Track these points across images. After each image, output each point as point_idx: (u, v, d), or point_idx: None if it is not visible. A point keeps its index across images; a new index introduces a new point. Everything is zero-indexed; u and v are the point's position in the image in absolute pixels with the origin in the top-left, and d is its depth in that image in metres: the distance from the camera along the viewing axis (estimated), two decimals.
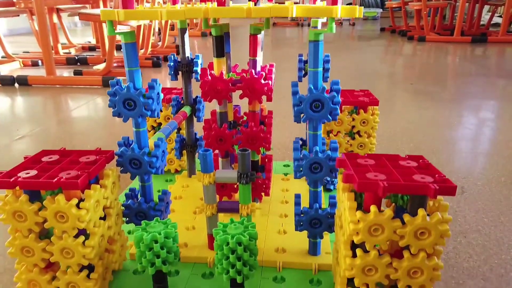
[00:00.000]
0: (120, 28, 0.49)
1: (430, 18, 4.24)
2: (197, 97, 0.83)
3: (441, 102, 1.65)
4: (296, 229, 0.58)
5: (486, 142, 1.18)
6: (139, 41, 2.60)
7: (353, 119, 0.84)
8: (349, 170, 0.46)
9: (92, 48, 3.30)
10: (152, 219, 0.58)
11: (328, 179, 0.84)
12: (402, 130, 1.29)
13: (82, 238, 0.49)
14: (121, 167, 0.57)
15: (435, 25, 4.38)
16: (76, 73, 2.21)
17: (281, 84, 1.94)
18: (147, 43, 2.71)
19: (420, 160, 0.49)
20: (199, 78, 0.78)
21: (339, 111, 0.51)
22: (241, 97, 0.63)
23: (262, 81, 0.61)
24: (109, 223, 0.54)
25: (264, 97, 0.62)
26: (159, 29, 3.64)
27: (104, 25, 2.49)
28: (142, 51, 2.70)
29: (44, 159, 0.54)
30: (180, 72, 0.80)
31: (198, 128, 0.86)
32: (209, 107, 0.72)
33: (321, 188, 0.57)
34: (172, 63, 0.77)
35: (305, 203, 0.73)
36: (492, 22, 4.82)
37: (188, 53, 0.78)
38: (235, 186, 0.71)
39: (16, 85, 2.03)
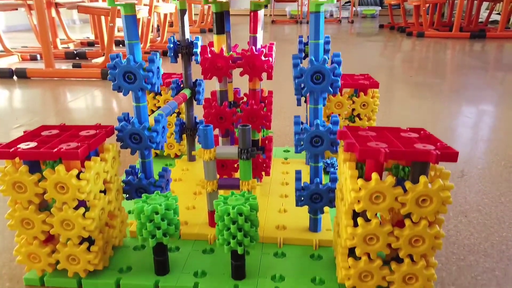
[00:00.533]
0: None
1: (428, 15, 4.25)
2: (196, 80, 0.83)
3: (441, 93, 1.65)
4: (296, 205, 0.58)
5: (485, 129, 1.18)
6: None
7: (353, 102, 0.84)
8: (351, 140, 0.46)
9: (91, 44, 3.29)
10: None
11: (328, 161, 0.84)
12: (402, 118, 1.29)
13: (82, 209, 0.49)
14: (121, 142, 0.56)
15: (434, 22, 4.39)
16: (75, 66, 2.20)
17: (279, 80, 1.94)
18: (146, 39, 2.70)
19: (422, 132, 0.49)
20: (199, 60, 0.78)
21: (340, 83, 0.51)
22: (241, 74, 0.62)
23: (263, 58, 0.61)
24: (110, 198, 0.54)
25: (264, 77, 0.62)
26: (158, 26, 3.63)
27: (103, 19, 2.48)
28: (141, 45, 2.69)
29: (44, 133, 0.53)
30: (180, 55, 0.80)
31: (198, 112, 0.85)
32: (209, 89, 0.72)
33: (321, 164, 0.57)
34: (171, 45, 0.77)
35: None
36: (490, 20, 4.82)
37: (187, 35, 0.78)
38: (235, 165, 0.70)
39: (15, 77, 2.03)
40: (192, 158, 0.88)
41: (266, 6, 0.63)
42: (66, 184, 0.47)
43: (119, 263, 0.55)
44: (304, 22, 6.11)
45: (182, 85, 0.83)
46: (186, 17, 0.77)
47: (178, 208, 0.51)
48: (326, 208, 0.67)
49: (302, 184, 0.57)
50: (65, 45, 3.09)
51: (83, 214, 0.49)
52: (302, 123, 0.56)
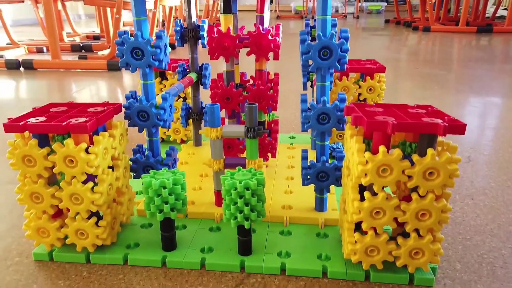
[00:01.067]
0: None
1: (435, 10, 4.22)
2: (203, 64, 0.83)
3: (447, 84, 1.64)
4: (303, 184, 0.58)
5: (493, 118, 1.18)
6: None
7: (360, 87, 0.84)
8: (358, 114, 0.46)
9: (96, 37, 3.30)
10: None
11: (334, 146, 0.84)
12: None
13: (91, 184, 0.49)
14: (128, 120, 0.57)
15: (440, 17, 4.36)
16: (81, 57, 2.21)
17: (284, 69, 1.94)
18: (151, 33, 2.71)
19: (429, 108, 0.49)
20: (206, 44, 0.79)
21: (347, 59, 0.51)
22: (248, 54, 0.62)
23: (270, 37, 0.61)
24: (117, 174, 0.54)
25: (271, 66, 0.62)
26: (163, 20, 3.64)
27: (108, 11, 2.49)
28: None
29: (53, 109, 0.54)
30: (186, 39, 0.80)
31: (204, 98, 0.86)
32: (215, 74, 0.72)
33: (328, 142, 0.57)
34: (178, 29, 0.77)
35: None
36: (497, 15, 4.78)
37: (194, 19, 0.78)
38: (241, 147, 0.71)
39: (22, 69, 2.04)
40: (198, 143, 0.89)
41: (271, 2, 0.64)
42: (75, 157, 0.47)
43: (126, 239, 0.56)
44: (309, 18, 6.09)
45: (188, 70, 0.83)
46: (192, 1, 0.77)
47: (185, 184, 0.52)
48: (332, 189, 0.67)
49: (308, 163, 0.57)
50: (71, 39, 3.10)
51: (92, 189, 0.49)
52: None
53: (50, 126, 0.47)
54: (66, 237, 0.53)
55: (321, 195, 0.60)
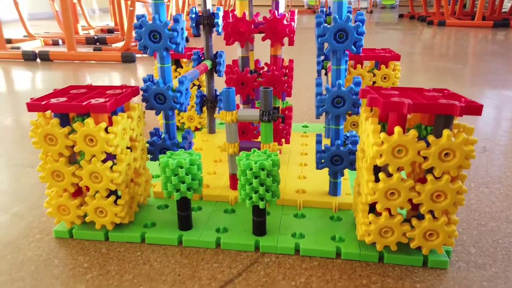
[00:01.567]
0: None
1: (450, 5, 4.15)
2: (217, 52, 0.84)
3: (462, 77, 1.62)
4: (317, 167, 0.59)
5: (508, 111, 1.16)
6: None
7: (374, 75, 0.83)
8: (373, 95, 0.46)
9: (110, 31, 3.33)
10: None
11: (347, 134, 0.84)
12: None
13: (110, 163, 0.51)
14: (146, 102, 0.58)
15: (455, 11, 4.29)
16: (96, 49, 2.24)
17: (297, 62, 1.93)
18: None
19: (445, 91, 0.49)
20: (220, 31, 0.79)
21: (363, 42, 0.51)
22: (263, 39, 0.63)
23: (285, 22, 0.61)
24: (135, 155, 0.55)
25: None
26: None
27: (122, 4, 2.51)
28: None
29: (73, 91, 0.55)
30: (201, 27, 0.81)
31: (218, 85, 0.86)
32: (230, 60, 0.73)
33: (342, 126, 0.57)
34: (193, 16, 0.78)
35: None
36: None
37: (209, 6, 0.79)
38: (255, 132, 0.71)
39: (38, 60, 2.08)
40: (212, 130, 0.90)
41: None
42: (95, 136, 0.49)
43: (144, 219, 0.57)
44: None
45: (203, 57, 0.84)
46: None
47: (201, 164, 0.52)
48: (346, 174, 0.68)
49: (322, 147, 0.58)
50: (86, 32, 3.14)
51: (111, 168, 0.51)
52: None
53: (71, 105, 0.48)
54: (85, 215, 0.55)
55: (335, 180, 0.60)
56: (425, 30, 3.50)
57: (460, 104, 0.42)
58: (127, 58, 2.00)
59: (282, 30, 0.61)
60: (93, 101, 0.49)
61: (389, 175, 0.46)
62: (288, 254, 0.51)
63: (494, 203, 0.64)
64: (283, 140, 0.71)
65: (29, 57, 2.05)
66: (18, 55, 2.08)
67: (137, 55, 2.12)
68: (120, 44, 2.34)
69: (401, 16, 5.01)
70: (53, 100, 0.50)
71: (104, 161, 0.51)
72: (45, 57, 2.04)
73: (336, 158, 0.57)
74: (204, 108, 0.89)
